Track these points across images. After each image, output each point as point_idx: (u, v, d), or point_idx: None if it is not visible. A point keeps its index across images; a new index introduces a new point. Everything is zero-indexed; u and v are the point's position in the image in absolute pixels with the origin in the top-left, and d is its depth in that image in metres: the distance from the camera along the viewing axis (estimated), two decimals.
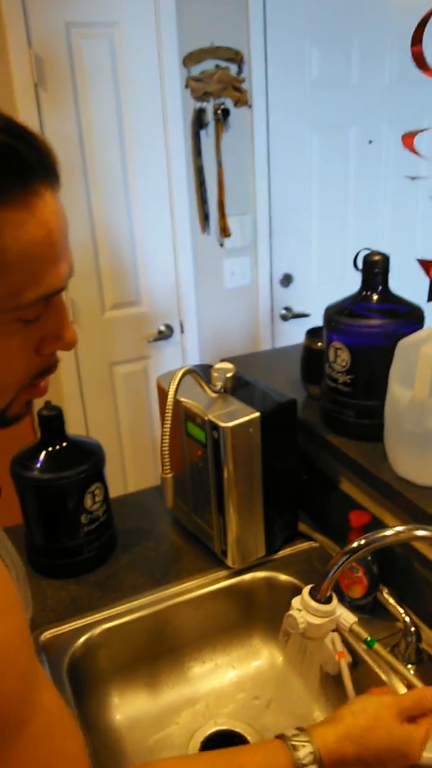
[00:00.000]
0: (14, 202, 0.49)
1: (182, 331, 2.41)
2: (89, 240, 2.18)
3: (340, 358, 1.04)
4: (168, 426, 0.84)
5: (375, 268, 1.01)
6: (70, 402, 2.32)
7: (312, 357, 1.21)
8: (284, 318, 2.57)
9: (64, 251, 0.54)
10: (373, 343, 1.01)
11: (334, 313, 1.05)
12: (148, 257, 2.29)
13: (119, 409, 2.41)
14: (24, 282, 0.51)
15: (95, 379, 2.34)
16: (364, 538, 0.79)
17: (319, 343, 1.17)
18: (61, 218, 0.53)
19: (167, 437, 0.85)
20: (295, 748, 0.63)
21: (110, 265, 2.24)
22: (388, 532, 0.78)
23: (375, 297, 1.02)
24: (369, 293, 1.03)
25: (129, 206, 2.20)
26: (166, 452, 0.86)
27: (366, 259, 1.02)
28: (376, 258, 1.01)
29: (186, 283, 2.37)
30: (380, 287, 1.02)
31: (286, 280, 2.54)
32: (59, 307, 0.57)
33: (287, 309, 2.56)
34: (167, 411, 0.85)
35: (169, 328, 2.39)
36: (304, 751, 0.63)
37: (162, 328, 2.38)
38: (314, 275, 2.57)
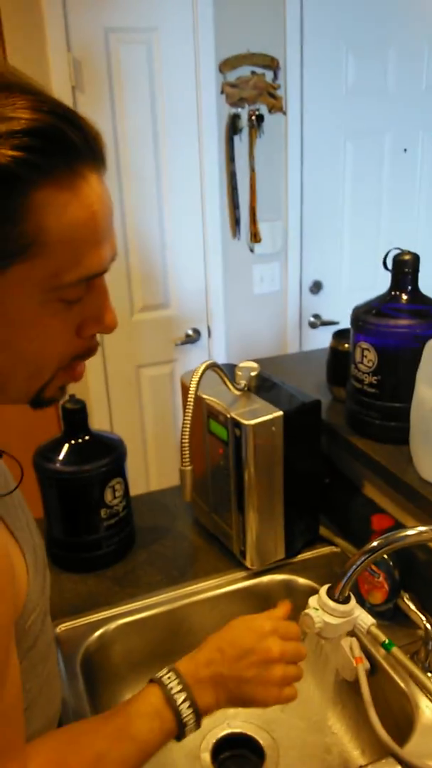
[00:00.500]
0: (59, 183, 0.49)
1: (210, 335, 2.41)
2: (120, 242, 2.20)
3: (367, 358, 1.03)
4: (189, 418, 0.84)
5: (405, 268, 0.99)
6: (96, 403, 2.34)
7: (338, 359, 1.20)
8: (313, 325, 2.55)
9: (107, 235, 0.54)
10: (400, 343, 0.99)
11: (361, 312, 1.04)
12: (178, 261, 2.30)
13: (144, 412, 2.41)
14: (66, 263, 0.51)
15: (122, 381, 2.35)
16: (384, 538, 0.77)
17: (346, 345, 1.16)
18: (106, 202, 0.54)
19: (187, 429, 0.85)
20: (162, 681, 0.68)
21: (140, 267, 2.25)
22: (410, 532, 0.76)
23: (404, 297, 1.01)
24: (398, 293, 1.01)
25: (161, 209, 2.21)
26: (186, 444, 0.86)
27: (396, 258, 1.00)
28: (406, 257, 0.99)
29: (215, 287, 2.37)
30: (410, 287, 1.00)
31: (316, 287, 2.52)
32: (101, 290, 0.57)
33: (316, 316, 2.54)
34: (188, 402, 0.84)
35: (196, 332, 2.39)
36: (164, 671, 0.69)
37: (189, 332, 2.39)
38: (344, 283, 2.55)
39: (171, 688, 0.67)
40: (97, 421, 2.32)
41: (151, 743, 0.64)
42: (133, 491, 1.20)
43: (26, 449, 1.13)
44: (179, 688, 0.67)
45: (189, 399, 0.84)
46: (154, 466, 2.46)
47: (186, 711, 0.66)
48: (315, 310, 2.55)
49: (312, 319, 2.55)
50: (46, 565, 0.71)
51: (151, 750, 0.65)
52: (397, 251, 1.01)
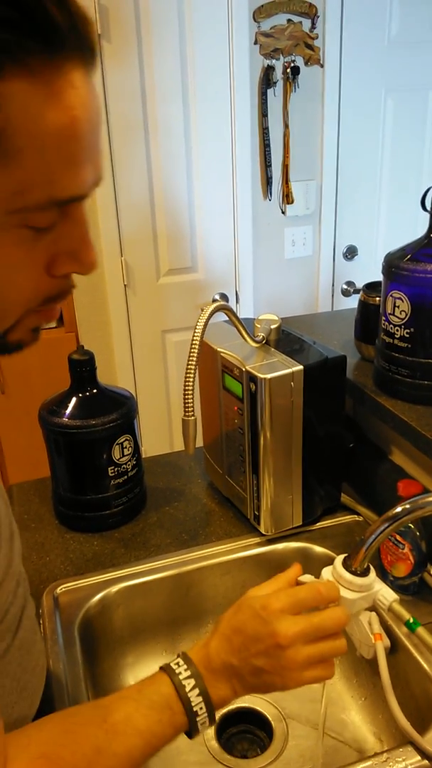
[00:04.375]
0: (34, 75, 0.39)
1: (237, 301, 2.33)
2: (146, 201, 2.12)
3: (399, 309, 0.93)
4: (193, 362, 0.76)
5: None
6: (121, 368, 2.29)
7: (369, 313, 1.10)
8: (345, 293, 2.44)
9: (91, 153, 0.44)
10: None
11: (394, 259, 0.94)
12: (206, 222, 2.21)
13: (170, 378, 2.35)
14: (34, 178, 0.41)
15: (147, 345, 2.29)
16: (410, 503, 0.69)
17: (377, 298, 1.06)
18: (92, 109, 0.43)
19: (191, 375, 0.77)
20: (171, 667, 0.62)
21: (167, 228, 2.17)
22: None
23: None
24: None
25: (189, 167, 2.12)
26: (190, 393, 0.78)
27: None
28: None
29: (244, 251, 2.28)
30: None
31: (350, 252, 2.40)
32: (79, 220, 0.46)
33: (349, 284, 2.43)
34: (193, 344, 0.77)
35: (224, 297, 2.31)
36: (174, 658, 0.63)
37: (217, 296, 2.30)
38: (380, 249, 2.42)
39: (180, 674, 0.60)
40: (122, 386, 2.27)
41: (159, 736, 0.57)
42: None
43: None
44: (187, 674, 0.60)
45: (194, 341, 0.76)
46: (179, 431, 2.40)
47: (195, 700, 0.59)
48: (348, 277, 2.43)
49: (345, 286, 2.43)
50: (13, 535, 0.63)
51: (158, 743, 0.58)
52: None
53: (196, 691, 0.59)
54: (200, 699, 0.59)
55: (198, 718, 0.59)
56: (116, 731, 0.55)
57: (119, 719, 0.56)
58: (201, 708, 0.59)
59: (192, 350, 0.76)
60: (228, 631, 0.63)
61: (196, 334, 0.77)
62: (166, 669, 0.61)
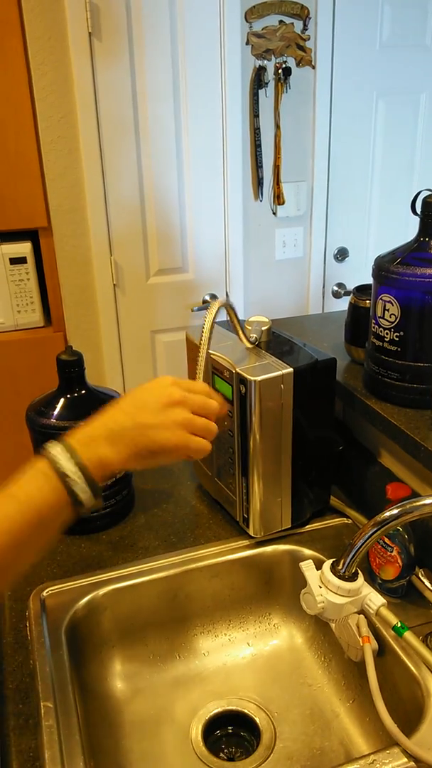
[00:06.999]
0: None
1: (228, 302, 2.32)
2: (137, 200, 2.11)
3: (389, 312, 0.93)
4: (202, 363, 0.76)
5: None
6: (109, 369, 2.28)
7: (359, 316, 1.10)
8: (336, 295, 2.44)
9: None
10: (427, 295, 0.89)
11: (385, 262, 0.94)
12: (197, 222, 2.20)
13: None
14: None
15: (136, 346, 2.28)
16: (397, 508, 0.69)
17: (368, 301, 1.06)
18: None
19: (201, 377, 0.77)
20: (44, 447, 0.65)
21: (157, 228, 2.17)
22: (426, 501, 0.67)
23: None
24: (427, 240, 0.91)
25: (180, 167, 2.12)
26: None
27: (426, 200, 0.90)
28: None
29: (235, 252, 2.28)
30: None
31: (341, 254, 2.41)
32: None
33: (340, 285, 2.43)
34: (201, 343, 0.76)
35: (214, 297, 2.30)
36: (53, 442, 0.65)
37: (207, 297, 2.30)
38: (371, 251, 2.43)
39: (50, 449, 0.63)
40: (111, 387, 2.26)
41: (38, 500, 0.60)
42: None
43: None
44: (59, 448, 0.63)
45: (203, 340, 0.76)
46: None
47: (68, 465, 0.62)
48: (339, 278, 2.44)
49: (335, 288, 2.44)
50: None
51: (42, 508, 0.60)
52: (428, 192, 0.90)
53: (67, 455, 0.62)
54: (72, 463, 0.62)
55: (76, 487, 0.61)
56: None
57: None
58: (77, 474, 0.61)
59: (201, 344, 0.77)
60: (121, 403, 0.69)
61: (205, 330, 0.77)
62: (39, 453, 0.64)
